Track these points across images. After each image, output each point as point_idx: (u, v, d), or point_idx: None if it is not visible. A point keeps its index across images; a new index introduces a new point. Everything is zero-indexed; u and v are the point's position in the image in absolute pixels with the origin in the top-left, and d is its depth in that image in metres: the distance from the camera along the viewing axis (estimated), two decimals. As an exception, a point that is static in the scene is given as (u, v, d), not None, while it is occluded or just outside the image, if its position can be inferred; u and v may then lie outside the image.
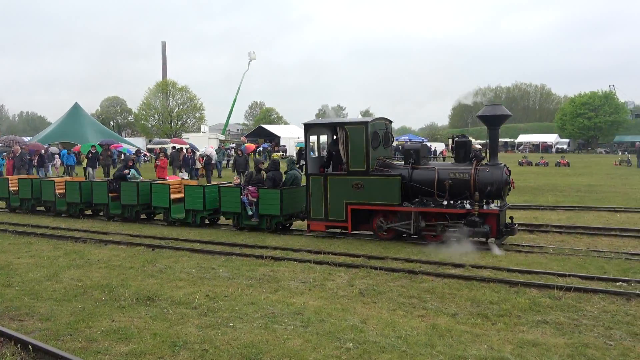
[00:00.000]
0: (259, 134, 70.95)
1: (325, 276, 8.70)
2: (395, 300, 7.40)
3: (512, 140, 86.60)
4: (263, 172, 13.47)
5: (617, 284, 8.01)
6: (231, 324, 6.52)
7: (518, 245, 10.93)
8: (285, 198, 12.49)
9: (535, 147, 77.73)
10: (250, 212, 12.89)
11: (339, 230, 12.22)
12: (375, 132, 11.65)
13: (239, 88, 62.07)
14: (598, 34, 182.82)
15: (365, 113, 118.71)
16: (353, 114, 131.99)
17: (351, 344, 5.83)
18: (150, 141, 64.06)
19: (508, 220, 11.03)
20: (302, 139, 61.54)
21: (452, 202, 11.02)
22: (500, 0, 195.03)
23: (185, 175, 24.88)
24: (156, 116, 78.91)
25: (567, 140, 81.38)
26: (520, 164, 43.57)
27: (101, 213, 15.83)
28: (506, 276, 8.49)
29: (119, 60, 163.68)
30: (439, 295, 7.61)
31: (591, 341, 5.90)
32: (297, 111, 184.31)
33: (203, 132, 49.97)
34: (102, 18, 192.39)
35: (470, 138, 12.04)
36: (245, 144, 44.46)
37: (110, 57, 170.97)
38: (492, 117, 11.04)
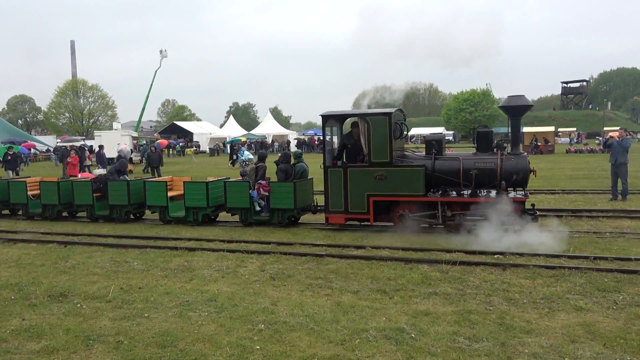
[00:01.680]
0: (172, 131, 68.60)
1: (238, 263, 8.59)
2: (303, 282, 7.44)
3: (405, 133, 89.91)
4: (254, 166, 12.38)
5: (495, 256, 8.53)
6: (146, 315, 6.26)
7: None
8: (298, 191, 11.55)
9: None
10: (258, 208, 11.85)
11: (358, 223, 11.38)
12: (396, 123, 10.89)
13: (151, 85, 59.46)
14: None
15: (274, 110, 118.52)
16: (262, 111, 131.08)
17: (263, 326, 5.80)
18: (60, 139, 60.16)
19: (529, 207, 10.54)
20: (217, 134, 60.05)
21: (475, 191, 10.44)
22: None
23: (104, 171, 23.54)
24: (67, 114, 74.20)
25: (453, 132, 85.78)
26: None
27: (82, 214, 13.85)
28: (401, 254, 8.80)
29: (30, 59, 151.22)
30: (343, 275, 7.75)
31: (474, 308, 6.24)
32: (209, 108, 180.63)
33: (115, 130, 47.44)
34: (11, 16, 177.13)
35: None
36: (159, 141, 42.83)
37: (20, 57, 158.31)
38: (514, 108, 10.58)
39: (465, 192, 10.55)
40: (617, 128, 22.34)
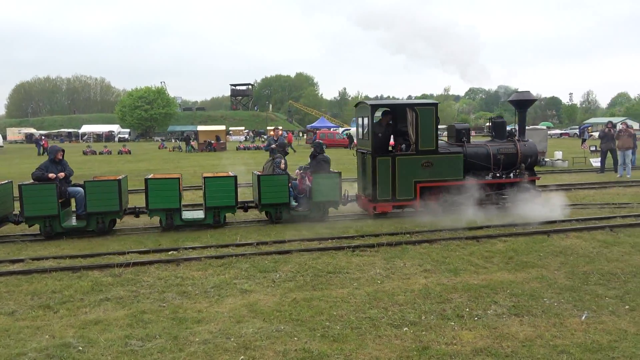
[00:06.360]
0: None
1: None
2: (-63, 313, 6.09)
3: (75, 130, 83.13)
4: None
5: (170, 252, 8.67)
6: None
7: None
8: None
9: (99, 137, 76.67)
10: (294, 202, 11.15)
11: (401, 210, 11.64)
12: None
13: None
14: (151, 37, 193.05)
15: None
16: None
17: None
18: None
19: None
20: None
21: (498, 174, 11.79)
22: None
23: None
24: None
25: (128, 130, 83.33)
26: (85, 153, 42.23)
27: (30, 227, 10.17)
28: (69, 263, 8.10)
29: None
30: (-7, 296, 6.67)
31: (148, 307, 6.21)
32: None
33: None
34: None
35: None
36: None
37: None
38: (521, 102, 12.45)
39: (488, 175, 11.86)
40: (273, 127, 25.31)
